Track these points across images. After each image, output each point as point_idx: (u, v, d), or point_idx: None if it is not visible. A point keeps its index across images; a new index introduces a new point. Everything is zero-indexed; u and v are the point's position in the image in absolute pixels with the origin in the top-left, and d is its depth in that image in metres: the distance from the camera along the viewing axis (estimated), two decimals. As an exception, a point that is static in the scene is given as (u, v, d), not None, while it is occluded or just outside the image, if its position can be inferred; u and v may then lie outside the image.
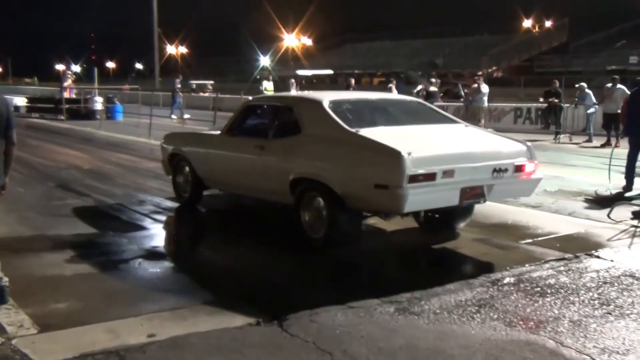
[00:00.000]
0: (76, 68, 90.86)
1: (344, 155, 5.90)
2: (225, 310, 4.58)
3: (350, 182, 5.76)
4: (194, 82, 33.93)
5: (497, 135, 6.81)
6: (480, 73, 37.93)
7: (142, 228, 7.38)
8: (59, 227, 7.24)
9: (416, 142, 5.82)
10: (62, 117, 23.73)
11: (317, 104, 6.48)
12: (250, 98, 9.53)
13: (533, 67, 47.50)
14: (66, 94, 24.40)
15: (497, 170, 5.90)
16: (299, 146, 6.36)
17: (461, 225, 6.87)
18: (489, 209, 7.97)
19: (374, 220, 7.06)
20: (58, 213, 8.04)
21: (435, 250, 6.44)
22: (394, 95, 8.44)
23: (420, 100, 7.58)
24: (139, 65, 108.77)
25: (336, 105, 6.47)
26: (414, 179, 5.34)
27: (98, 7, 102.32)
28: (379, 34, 64.13)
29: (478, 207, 7.01)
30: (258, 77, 77.37)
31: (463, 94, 25.67)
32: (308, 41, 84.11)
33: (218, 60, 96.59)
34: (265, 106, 7.66)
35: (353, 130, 5.94)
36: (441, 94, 24.70)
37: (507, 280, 5.33)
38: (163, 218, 7.94)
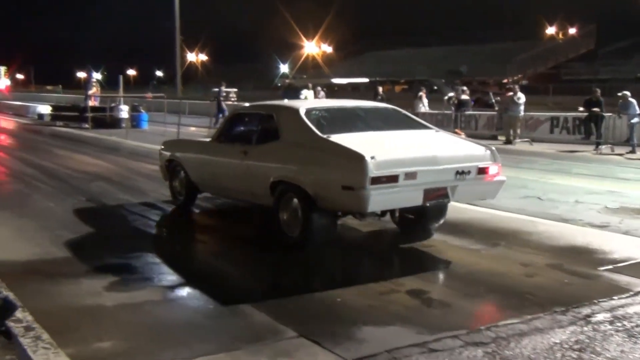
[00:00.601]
0: (97, 75, 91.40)
1: (315, 159, 6.29)
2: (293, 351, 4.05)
3: (321, 184, 6.14)
4: (217, 90, 33.39)
5: (464, 140, 7.19)
6: (512, 80, 37.35)
7: (184, 249, 6.87)
8: (94, 247, 6.77)
9: (382, 147, 6.23)
10: (87, 126, 23.43)
11: (295, 112, 6.88)
12: (248, 105, 9.71)
13: (560, 75, 46.58)
14: (91, 102, 24.04)
15: (460, 173, 6.24)
16: (277, 151, 6.82)
17: (435, 225, 7.12)
18: (554, 230, 7.40)
19: (430, 244, 6.49)
20: (92, 231, 7.58)
21: (505, 275, 5.82)
22: (369, 103, 8.62)
23: (395, 107, 7.91)
24: (159, 73, 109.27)
25: (312, 113, 6.85)
26: (377, 180, 5.70)
27: (118, 15, 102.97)
28: (400, 41, 63.58)
29: (536, 227, 6.81)
30: (279, 84, 77.29)
31: (494, 102, 25.02)
32: (328, 49, 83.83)
33: (237, 68, 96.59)
34: (250, 114, 8.03)
35: (324, 136, 6.31)
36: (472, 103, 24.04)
37: (600, 316, 4.72)
38: (208, 239, 7.45)
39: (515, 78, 46.91)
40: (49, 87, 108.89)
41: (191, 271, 6.11)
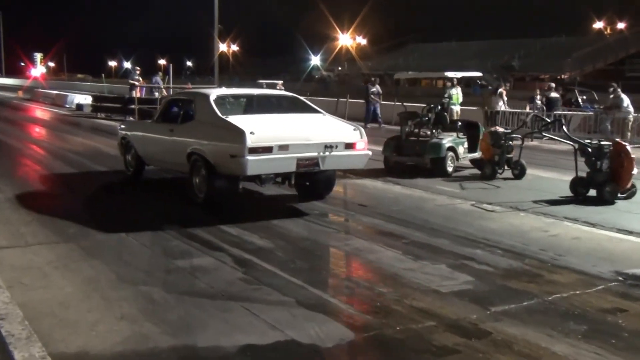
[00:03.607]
0: (127, 64, 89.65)
1: (214, 135, 7.76)
2: None
3: (217, 154, 7.63)
4: (263, 82, 30.91)
5: (339, 122, 8.50)
6: (569, 77, 34.48)
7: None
8: (207, 325, 4.32)
9: (264, 125, 7.59)
10: (132, 119, 21.08)
11: (206, 97, 8.39)
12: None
13: (624, 71, 43.29)
14: (136, 93, 21.64)
15: (329, 147, 7.69)
16: (192, 129, 8.30)
17: (325, 194, 8.79)
18: None
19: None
20: (195, 289, 5.12)
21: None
22: (273, 91, 11.83)
23: (295, 95, 9.56)
24: (188, 63, 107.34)
25: (220, 98, 8.42)
26: (254, 150, 7.18)
27: (149, 3, 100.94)
28: (444, 35, 60.66)
29: None
30: (317, 76, 74.74)
31: (581, 102, 22.20)
32: (363, 41, 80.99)
33: (267, 59, 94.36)
34: (179, 100, 9.57)
35: (223, 117, 7.77)
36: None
37: None
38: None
39: (571, 74, 43.70)
40: (79, 76, 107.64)
41: None
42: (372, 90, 22.04)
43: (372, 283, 5.35)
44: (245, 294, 5.00)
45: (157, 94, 23.03)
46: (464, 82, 30.15)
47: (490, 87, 44.33)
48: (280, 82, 31.83)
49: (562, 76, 42.28)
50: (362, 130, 8.16)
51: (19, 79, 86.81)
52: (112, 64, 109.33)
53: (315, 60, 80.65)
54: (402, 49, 62.82)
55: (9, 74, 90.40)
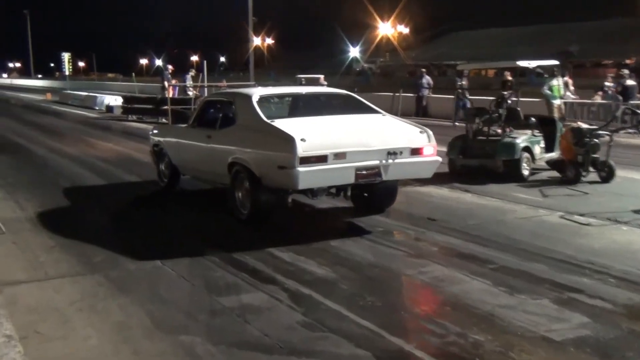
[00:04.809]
0: (159, 62, 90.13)
1: (259, 142, 7.18)
2: None
3: (263, 164, 7.01)
4: (302, 77, 30.14)
5: (404, 123, 7.73)
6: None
7: None
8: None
9: (316, 130, 6.95)
10: (166, 121, 20.58)
11: (248, 98, 7.79)
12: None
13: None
14: (169, 93, 21.09)
15: (392, 153, 6.99)
16: (233, 135, 7.71)
17: (387, 207, 8.06)
18: None
19: None
20: (246, 337, 4.36)
21: None
22: (324, 89, 10.60)
23: (349, 92, 8.85)
24: (221, 59, 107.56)
25: (263, 99, 7.88)
26: (306, 160, 6.47)
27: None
28: (492, 20, 59.04)
29: None
30: (358, 69, 73.85)
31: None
32: (405, 30, 79.74)
33: (303, 53, 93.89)
34: (217, 101, 9.00)
35: (268, 121, 7.16)
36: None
37: None
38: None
39: (638, 59, 41.77)
40: (110, 75, 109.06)
41: None
42: (460, 83, 20.53)
43: (465, 327, 4.50)
44: (308, 346, 4.21)
45: (190, 93, 22.49)
46: (519, 72, 28.83)
47: (546, 76, 42.75)
48: (322, 76, 30.99)
49: (627, 61, 40.43)
50: (430, 132, 7.38)
51: (48, 79, 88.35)
52: (143, 61, 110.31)
53: (354, 51, 79.78)
54: (447, 37, 61.36)
55: (37, 75, 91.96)
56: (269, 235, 7.01)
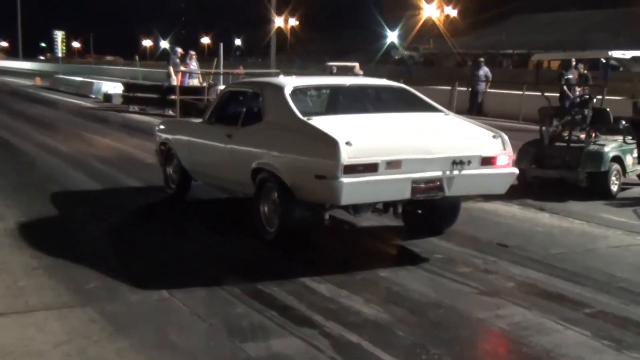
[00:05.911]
0: (165, 44, 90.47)
1: (292, 144, 6.78)
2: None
3: (296, 172, 6.61)
4: (332, 64, 29.71)
5: (472, 125, 7.31)
6: None
7: None
8: None
9: (365, 131, 6.69)
10: (172, 113, 20.36)
11: (279, 89, 7.41)
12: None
13: None
14: (177, 80, 20.81)
15: (458, 163, 6.50)
16: (259, 134, 7.39)
17: (446, 228, 7.60)
18: None
19: None
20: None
21: None
22: (373, 80, 9.09)
23: (403, 85, 8.41)
24: (237, 42, 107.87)
25: (298, 91, 7.55)
26: (352, 169, 6.06)
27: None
28: (557, 3, 58.32)
29: None
30: (397, 57, 73.56)
31: None
32: (453, 12, 79.21)
33: (332, 36, 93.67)
34: (241, 92, 8.65)
35: (304, 118, 6.77)
36: None
37: None
38: None
39: None
40: (108, 58, 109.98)
41: None
42: (566, 77, 19.16)
43: (563, 396, 4.02)
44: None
45: (195, 81, 22.23)
46: (589, 64, 27.96)
47: (621, 69, 41.69)
48: (357, 64, 30.56)
49: None
50: (505, 138, 6.93)
51: (38, 62, 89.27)
52: (147, 43, 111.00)
53: (392, 36, 79.33)
54: (505, 22, 60.60)
55: (26, 57, 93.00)
56: (300, 260, 6.68)
